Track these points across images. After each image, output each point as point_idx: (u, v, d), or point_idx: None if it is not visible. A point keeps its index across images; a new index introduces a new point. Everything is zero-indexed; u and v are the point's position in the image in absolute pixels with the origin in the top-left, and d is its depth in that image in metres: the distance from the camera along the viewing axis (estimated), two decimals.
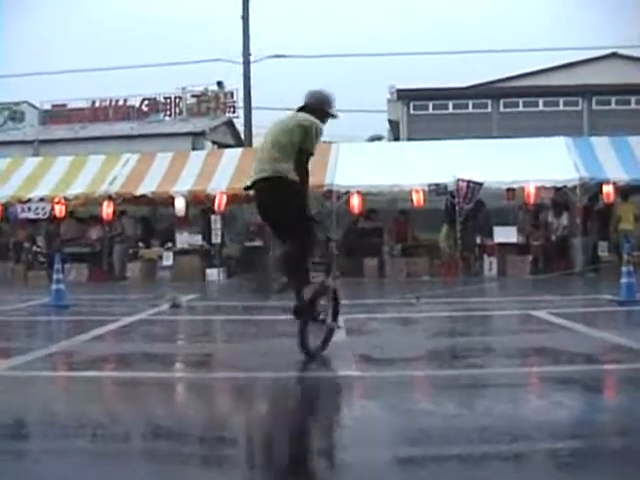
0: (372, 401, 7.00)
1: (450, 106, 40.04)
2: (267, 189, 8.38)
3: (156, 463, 5.34)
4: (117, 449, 5.66)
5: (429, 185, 23.13)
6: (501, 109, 39.56)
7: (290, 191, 8.28)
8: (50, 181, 26.51)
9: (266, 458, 5.44)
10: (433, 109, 40.15)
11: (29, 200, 25.87)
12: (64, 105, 43.45)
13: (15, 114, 44.53)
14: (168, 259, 24.61)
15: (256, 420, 6.65)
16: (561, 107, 39.04)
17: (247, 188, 8.74)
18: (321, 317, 8.82)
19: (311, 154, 8.55)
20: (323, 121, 8.67)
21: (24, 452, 5.65)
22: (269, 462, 5.33)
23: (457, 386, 7.46)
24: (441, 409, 6.45)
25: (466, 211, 23.16)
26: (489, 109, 39.74)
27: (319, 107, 8.65)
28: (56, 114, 43.35)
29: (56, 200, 25.52)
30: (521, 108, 39.49)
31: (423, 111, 40.06)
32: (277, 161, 8.30)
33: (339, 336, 10.80)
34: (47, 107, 43.70)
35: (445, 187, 23.13)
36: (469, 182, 22.81)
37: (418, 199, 23.38)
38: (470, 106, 39.94)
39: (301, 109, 8.66)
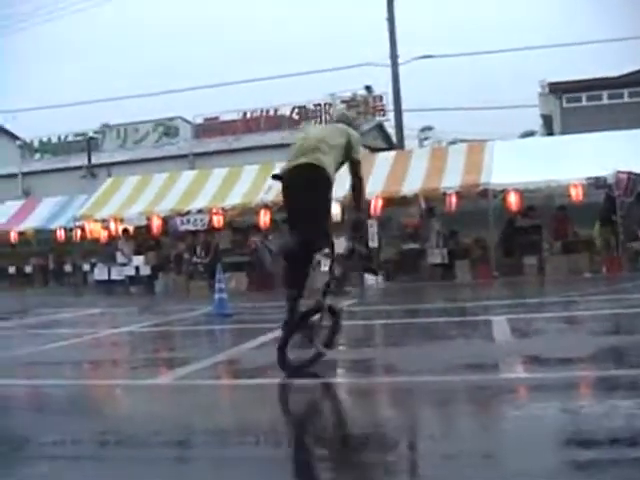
0: (543, 403, 6.83)
1: (605, 97, 39.04)
2: (302, 173, 8.05)
3: (323, 470, 5.35)
4: (283, 456, 5.71)
5: (587, 179, 22.57)
6: None
7: (323, 182, 8.05)
8: (207, 193, 27.13)
9: (427, 463, 5.35)
10: (587, 101, 39.23)
11: (188, 212, 26.52)
12: (216, 118, 44.34)
13: (169, 130, 45.71)
14: (326, 265, 24.66)
15: (416, 424, 6.60)
16: None
17: (275, 177, 8.40)
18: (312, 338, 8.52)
19: (359, 162, 8.57)
20: None
21: (192, 459, 5.76)
22: (432, 466, 5.24)
23: (629, 387, 7.21)
24: (614, 411, 6.23)
25: (627, 204, 22.49)
26: None
27: (351, 125, 8.84)
28: (209, 127, 44.27)
29: (214, 211, 26.05)
30: None
31: (576, 103, 39.20)
32: (321, 153, 8.09)
33: (505, 337, 10.67)
34: (200, 121, 44.68)
35: (604, 180, 22.51)
36: (629, 174, 22.14)
37: (577, 194, 22.82)
38: (626, 95, 38.86)
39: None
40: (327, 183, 8.08)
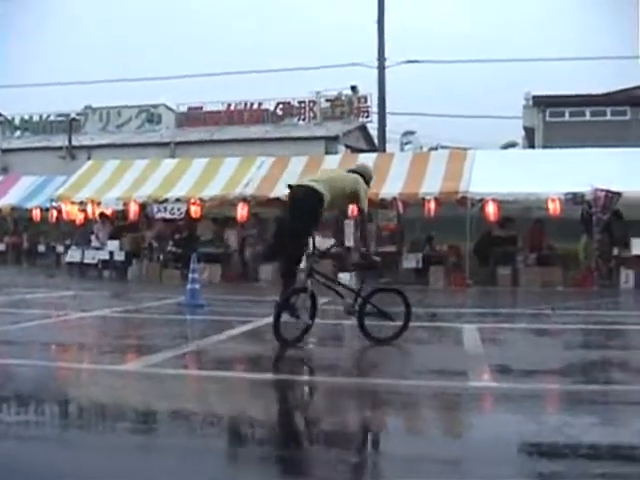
0: (509, 414, 6.88)
1: (587, 113, 39.29)
2: (301, 193, 10.68)
3: (276, 466, 5.37)
4: (244, 447, 5.75)
5: (566, 194, 22.64)
6: None
7: (314, 200, 10.52)
8: (186, 182, 27.00)
9: (390, 467, 5.38)
10: (570, 116, 39.46)
11: (166, 200, 26.38)
12: (200, 108, 44.34)
13: (152, 116, 45.64)
14: (302, 262, 24.63)
15: (379, 427, 6.65)
16: None
17: (289, 186, 11.02)
18: (297, 314, 10.57)
19: (363, 210, 11.11)
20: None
21: (154, 447, 5.76)
22: (394, 470, 5.27)
23: (595, 401, 7.28)
24: (580, 424, 6.29)
25: (603, 221, 22.61)
26: (628, 116, 38.84)
27: (366, 178, 11.23)
28: (192, 116, 44.22)
29: (192, 201, 25.96)
30: None
31: (559, 118, 39.41)
32: (320, 185, 10.60)
33: (475, 345, 10.72)
34: (183, 109, 44.62)
35: (582, 196, 22.61)
36: (607, 192, 22.25)
37: (554, 208, 22.88)
38: (608, 113, 39.12)
39: (352, 171, 11.31)
40: (314, 197, 10.49)
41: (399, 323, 10.84)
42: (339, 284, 11.59)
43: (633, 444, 5.70)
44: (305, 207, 10.56)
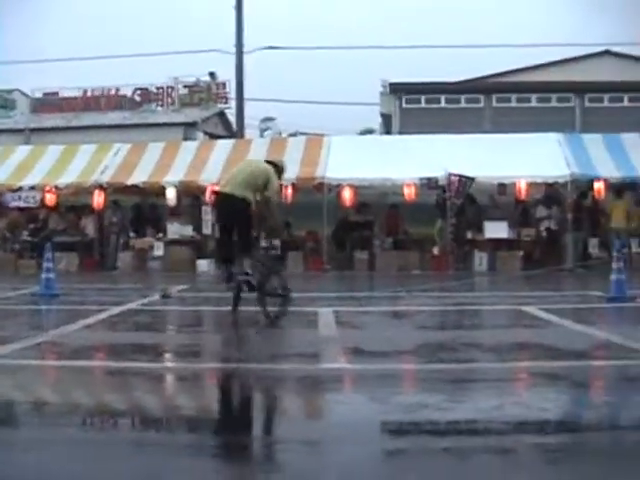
0: (360, 394, 7.01)
1: (442, 100, 40.06)
2: (228, 201, 11.96)
3: (137, 451, 5.35)
4: (101, 438, 5.68)
5: (421, 179, 23.07)
6: (493, 104, 39.58)
7: (242, 206, 11.79)
8: (41, 170, 26.37)
9: (253, 448, 5.44)
10: (425, 103, 40.16)
11: (20, 189, 25.74)
12: (56, 93, 43.24)
13: (6, 102, 44.33)
14: (159, 249, 24.49)
15: (239, 411, 6.70)
16: (554, 103, 39.08)
17: (215, 192, 12.61)
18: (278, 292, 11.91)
19: (269, 198, 12.14)
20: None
21: (6, 440, 5.67)
22: (258, 452, 5.33)
23: (446, 380, 7.48)
24: (429, 402, 6.46)
25: (457, 206, 23.16)
26: (481, 104, 39.77)
27: (279, 171, 12.52)
28: (48, 102, 43.16)
29: (47, 189, 25.43)
30: (513, 104, 39.51)
31: (415, 105, 40.05)
32: (243, 188, 11.84)
33: (329, 328, 10.86)
34: (38, 95, 43.48)
35: (436, 181, 23.08)
36: (460, 177, 22.77)
37: (410, 193, 23.31)
38: (462, 101, 39.99)
39: (268, 162, 12.68)
40: (244, 205, 11.77)
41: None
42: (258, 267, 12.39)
43: (476, 419, 5.91)
44: (234, 211, 11.88)
